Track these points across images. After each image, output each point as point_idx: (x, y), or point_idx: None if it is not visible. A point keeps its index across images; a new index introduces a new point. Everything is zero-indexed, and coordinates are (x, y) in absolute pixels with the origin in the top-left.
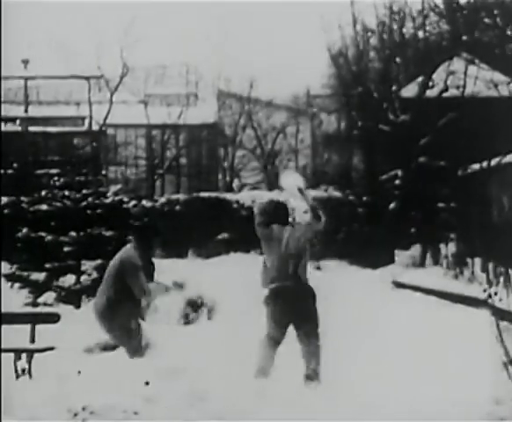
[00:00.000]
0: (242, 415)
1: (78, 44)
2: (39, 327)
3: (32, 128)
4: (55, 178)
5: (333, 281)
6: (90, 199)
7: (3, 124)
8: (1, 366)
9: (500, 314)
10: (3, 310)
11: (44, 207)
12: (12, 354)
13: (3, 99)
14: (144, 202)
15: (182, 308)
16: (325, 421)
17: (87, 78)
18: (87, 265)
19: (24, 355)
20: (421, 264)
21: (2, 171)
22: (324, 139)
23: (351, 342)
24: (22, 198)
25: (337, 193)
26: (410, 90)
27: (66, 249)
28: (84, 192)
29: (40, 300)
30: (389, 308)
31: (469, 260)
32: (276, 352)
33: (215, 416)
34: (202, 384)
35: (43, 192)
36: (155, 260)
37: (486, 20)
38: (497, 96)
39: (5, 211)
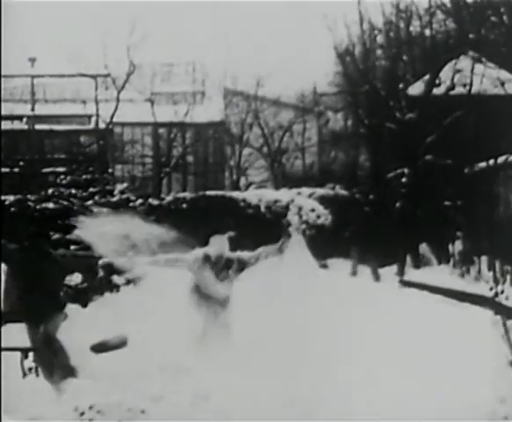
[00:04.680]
0: None
1: (85, 42)
2: None
3: (38, 126)
4: (62, 177)
5: (339, 279)
6: (96, 197)
7: (10, 122)
8: (1, 365)
9: (506, 312)
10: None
11: (50, 205)
12: (19, 353)
13: (9, 97)
14: (151, 200)
15: None
16: (326, 421)
17: (94, 76)
18: None
19: (30, 354)
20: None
21: (8, 170)
22: (330, 137)
23: (356, 340)
24: (28, 196)
25: (343, 192)
26: (417, 89)
27: (72, 247)
28: (91, 190)
29: None
30: (395, 306)
31: (475, 258)
32: None
33: None
34: None
35: (50, 191)
36: None
37: (493, 18)
38: (504, 94)
39: (12, 209)
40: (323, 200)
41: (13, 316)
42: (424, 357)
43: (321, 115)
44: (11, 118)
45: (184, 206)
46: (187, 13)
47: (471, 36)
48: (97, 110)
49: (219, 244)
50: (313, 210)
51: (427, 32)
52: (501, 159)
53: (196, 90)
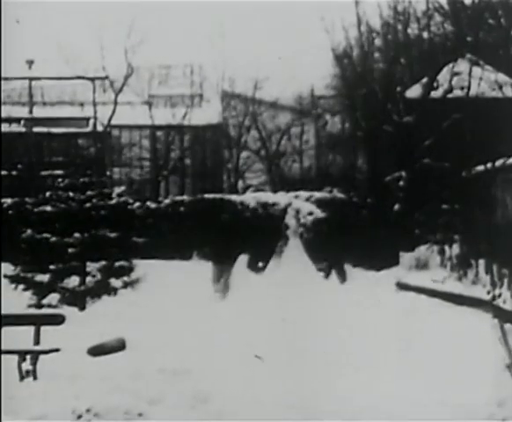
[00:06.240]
0: None
1: (83, 45)
2: (43, 328)
3: (36, 129)
4: (60, 180)
5: (337, 283)
6: (94, 200)
7: (8, 125)
8: (1, 367)
9: (504, 315)
10: (7, 312)
11: (48, 208)
12: (17, 356)
13: (7, 100)
14: (149, 203)
15: None
16: (325, 421)
17: (92, 79)
18: (91, 266)
19: (28, 357)
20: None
21: (6, 172)
22: (328, 140)
23: (354, 342)
24: (26, 199)
25: (341, 195)
26: (414, 91)
27: (70, 250)
28: (89, 193)
29: (45, 301)
30: (392, 310)
31: (473, 262)
32: None
33: None
34: None
35: (47, 194)
36: (160, 262)
37: (491, 21)
38: (501, 97)
39: (10, 212)
40: (320, 204)
41: None
42: (422, 360)
43: (319, 118)
44: (9, 120)
45: (182, 209)
46: (185, 16)
47: (468, 39)
48: (95, 112)
49: None
50: (311, 213)
51: (425, 34)
52: (498, 162)
53: (194, 92)
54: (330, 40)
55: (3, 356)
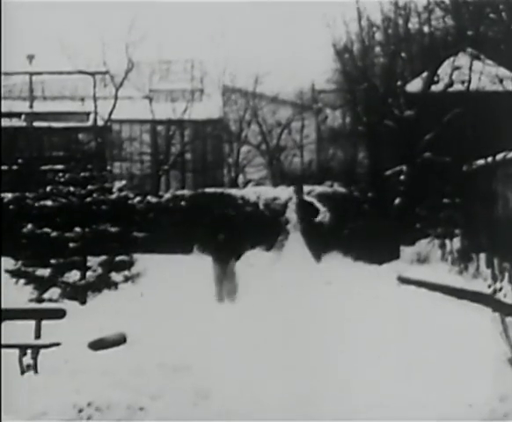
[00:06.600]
0: None
1: (84, 40)
2: (44, 323)
3: (37, 124)
4: (60, 174)
5: (338, 277)
6: (95, 195)
7: (8, 119)
8: (1, 363)
9: (504, 309)
10: (8, 306)
11: (49, 202)
12: (17, 350)
13: (8, 95)
14: (149, 198)
15: None
16: (326, 421)
17: (92, 74)
18: (92, 260)
19: (29, 351)
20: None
21: (7, 167)
22: (329, 134)
23: (355, 337)
24: (27, 194)
25: (342, 189)
26: (415, 86)
27: (71, 245)
28: (89, 187)
29: (45, 296)
30: (393, 304)
31: (474, 256)
32: None
33: None
34: None
35: (48, 188)
36: (160, 256)
37: (492, 15)
38: (502, 91)
39: (10, 207)
40: (321, 198)
41: None
42: (423, 355)
43: (320, 112)
44: (10, 115)
45: (182, 203)
46: (186, 11)
47: (469, 33)
48: (95, 107)
49: None
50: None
51: (426, 29)
52: (499, 156)
53: (195, 87)
54: (331, 35)
55: (3, 350)
